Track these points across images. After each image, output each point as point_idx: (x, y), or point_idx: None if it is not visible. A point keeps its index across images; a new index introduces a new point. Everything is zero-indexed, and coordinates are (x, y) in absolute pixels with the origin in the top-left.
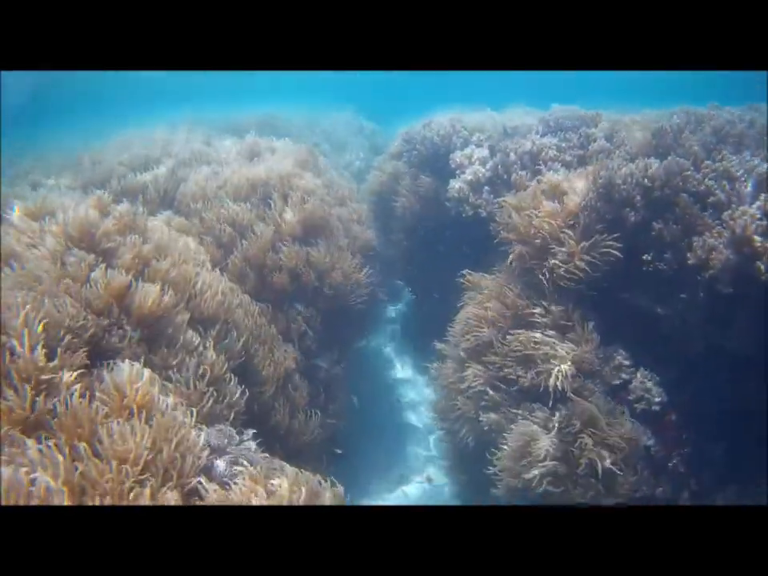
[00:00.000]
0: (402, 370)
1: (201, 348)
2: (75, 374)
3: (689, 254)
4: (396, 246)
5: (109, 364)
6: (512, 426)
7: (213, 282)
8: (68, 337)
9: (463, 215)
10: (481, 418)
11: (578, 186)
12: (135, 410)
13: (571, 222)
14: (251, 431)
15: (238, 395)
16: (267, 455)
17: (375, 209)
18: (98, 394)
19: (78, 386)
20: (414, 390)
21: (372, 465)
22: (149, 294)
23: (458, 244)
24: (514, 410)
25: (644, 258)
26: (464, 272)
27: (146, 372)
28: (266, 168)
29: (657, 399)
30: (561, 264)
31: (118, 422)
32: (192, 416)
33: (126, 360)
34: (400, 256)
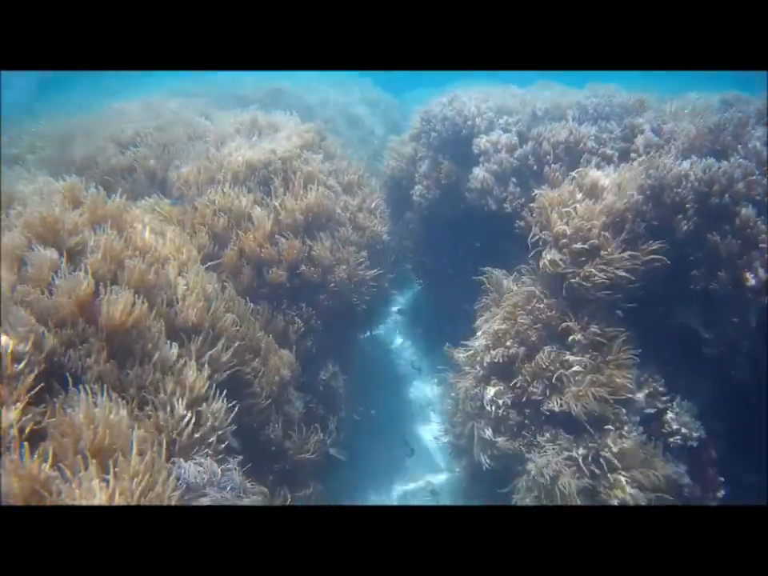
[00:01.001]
0: (408, 368)
1: (180, 364)
2: (19, 409)
3: (747, 274)
4: (411, 236)
5: (68, 391)
6: (533, 455)
7: (197, 284)
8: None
9: (485, 208)
10: (497, 441)
11: (621, 184)
12: (89, 457)
13: (612, 225)
14: (236, 459)
15: (223, 415)
16: (253, 484)
17: (389, 194)
18: (50, 432)
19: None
20: (420, 390)
21: (375, 477)
22: (119, 303)
23: (478, 238)
24: (538, 436)
25: (693, 273)
26: (485, 270)
27: (107, 404)
28: (266, 149)
29: (695, 434)
30: (597, 272)
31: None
32: (163, 448)
33: (86, 387)
34: (413, 247)
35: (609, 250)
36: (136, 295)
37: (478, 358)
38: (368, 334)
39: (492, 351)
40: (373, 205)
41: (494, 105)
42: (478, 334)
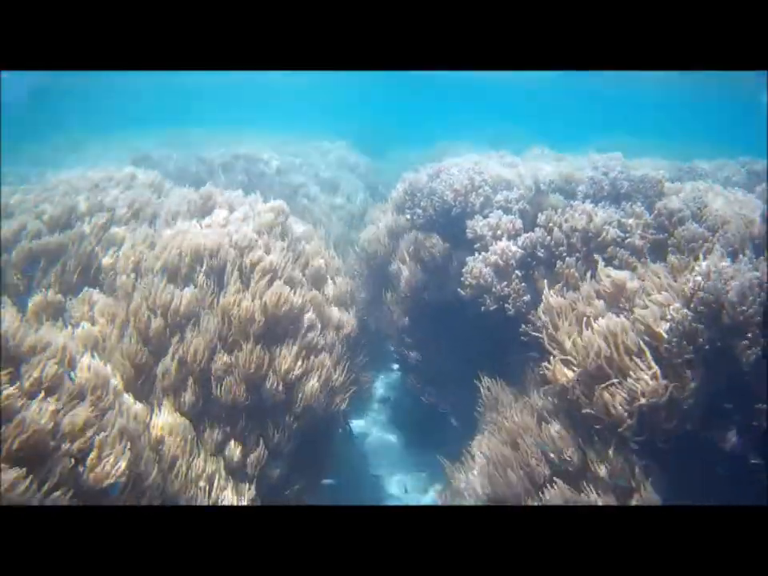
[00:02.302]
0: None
1: None
2: None
3: None
4: (391, 323)
5: None
6: None
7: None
8: None
9: (482, 308)
10: None
11: (658, 291)
12: None
13: (646, 346)
14: None
15: None
16: None
17: (368, 271)
18: None
19: None
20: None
21: None
22: None
23: (472, 336)
24: None
25: (758, 406)
26: (484, 383)
27: None
28: (216, 234)
29: None
30: (622, 405)
31: None
32: None
33: None
34: (396, 336)
35: (644, 378)
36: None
37: (477, 489)
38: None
39: (486, 486)
40: (350, 297)
41: (489, 177)
42: (474, 455)
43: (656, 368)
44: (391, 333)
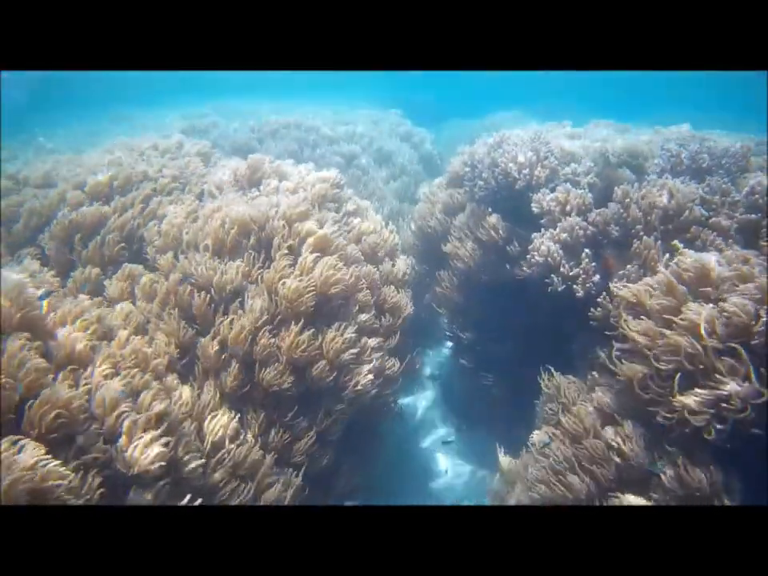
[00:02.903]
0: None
1: None
2: None
3: None
4: (445, 301)
5: None
6: None
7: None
8: None
9: (549, 288)
10: None
11: (750, 280)
12: None
13: (736, 344)
14: None
15: None
16: None
17: (422, 246)
18: None
19: None
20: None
21: None
22: None
23: (531, 321)
24: None
25: None
26: (547, 369)
27: None
28: (264, 205)
29: None
30: (704, 407)
31: None
32: None
33: None
34: (449, 316)
35: (731, 382)
36: None
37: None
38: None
39: (544, 485)
40: (406, 276)
41: (554, 148)
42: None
43: (750, 367)
44: (445, 311)
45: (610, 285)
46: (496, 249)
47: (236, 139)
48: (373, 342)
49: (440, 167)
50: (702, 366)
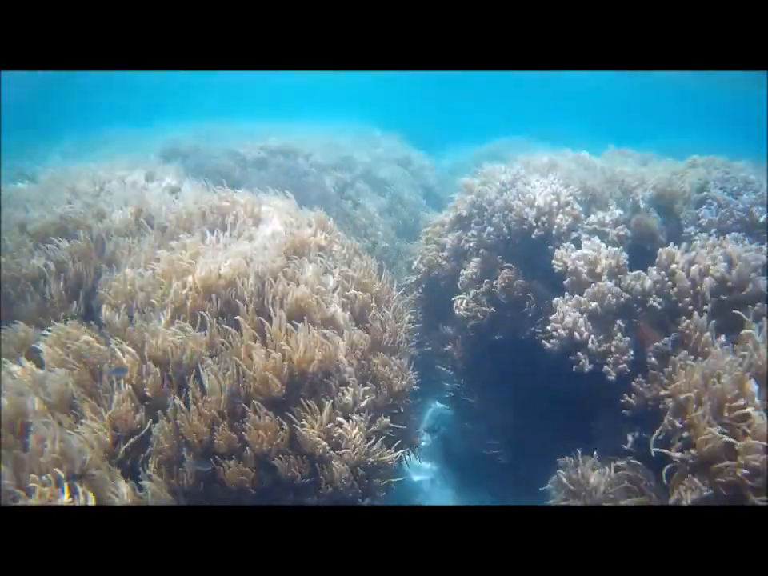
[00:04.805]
0: None
1: None
2: None
3: None
4: (448, 360)
5: None
6: None
7: None
8: None
9: (574, 367)
10: None
11: None
12: None
13: None
14: None
15: None
16: None
17: (423, 294)
18: None
19: None
20: None
21: None
22: None
23: (547, 389)
24: None
25: None
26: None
27: None
28: (235, 258)
29: None
30: None
31: None
32: None
33: None
34: (452, 378)
35: None
36: None
37: None
38: None
39: None
40: (402, 336)
41: (576, 189)
42: None
43: None
44: (446, 368)
45: (648, 361)
46: (510, 306)
47: (218, 165)
48: (357, 427)
49: (442, 197)
50: None
